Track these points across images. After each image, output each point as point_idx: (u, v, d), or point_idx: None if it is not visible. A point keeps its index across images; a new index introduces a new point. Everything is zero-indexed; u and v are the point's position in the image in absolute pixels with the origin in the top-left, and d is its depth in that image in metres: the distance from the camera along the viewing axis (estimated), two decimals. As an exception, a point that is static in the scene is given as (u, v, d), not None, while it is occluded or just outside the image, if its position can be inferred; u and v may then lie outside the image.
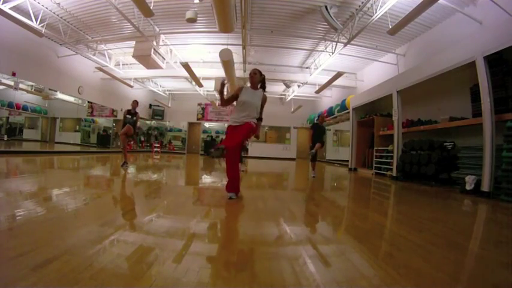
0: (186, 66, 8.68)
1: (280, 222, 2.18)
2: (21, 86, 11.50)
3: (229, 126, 3.02)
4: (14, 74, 8.00)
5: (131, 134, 5.80)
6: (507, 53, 3.88)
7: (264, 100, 3.03)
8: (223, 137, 20.04)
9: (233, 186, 2.88)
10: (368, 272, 1.28)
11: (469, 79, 4.66)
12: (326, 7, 6.20)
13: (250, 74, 3.02)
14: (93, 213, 2.15)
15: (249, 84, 3.07)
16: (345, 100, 9.99)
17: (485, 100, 4.02)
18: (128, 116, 5.74)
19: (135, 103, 5.87)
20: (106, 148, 14.55)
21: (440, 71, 5.01)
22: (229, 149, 2.78)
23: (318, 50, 8.85)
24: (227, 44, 7.70)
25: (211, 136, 18.86)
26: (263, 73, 3.09)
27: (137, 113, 5.89)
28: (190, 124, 17.46)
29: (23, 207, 2.08)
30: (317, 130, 6.32)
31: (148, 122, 17.65)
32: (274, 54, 9.09)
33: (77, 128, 15.88)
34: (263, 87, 3.07)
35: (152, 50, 7.95)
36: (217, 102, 15.52)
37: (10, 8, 6.24)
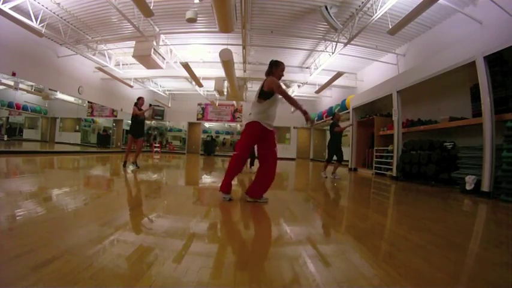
0: (186, 66, 8.69)
1: (280, 222, 2.18)
2: (21, 86, 11.52)
3: (259, 126, 2.62)
4: (14, 74, 8.00)
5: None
6: (507, 53, 3.88)
7: None
8: (225, 136, 20.16)
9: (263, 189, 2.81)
10: (368, 272, 1.28)
11: (469, 79, 4.67)
12: (326, 7, 6.21)
13: (283, 68, 2.76)
14: (93, 213, 2.15)
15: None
16: (345, 100, 9.99)
17: (485, 100, 4.02)
18: None
19: (143, 100, 5.62)
20: (106, 148, 14.56)
21: (440, 71, 5.01)
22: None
23: (318, 50, 8.85)
24: (227, 44, 7.71)
25: (211, 136, 18.87)
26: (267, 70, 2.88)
27: (142, 110, 5.66)
28: (190, 124, 17.47)
29: (23, 207, 2.08)
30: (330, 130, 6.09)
31: (148, 122, 17.67)
32: (274, 54, 9.06)
33: (77, 128, 15.90)
34: None
35: (152, 50, 7.95)
36: (217, 103, 15.53)
37: (10, 8, 6.25)
